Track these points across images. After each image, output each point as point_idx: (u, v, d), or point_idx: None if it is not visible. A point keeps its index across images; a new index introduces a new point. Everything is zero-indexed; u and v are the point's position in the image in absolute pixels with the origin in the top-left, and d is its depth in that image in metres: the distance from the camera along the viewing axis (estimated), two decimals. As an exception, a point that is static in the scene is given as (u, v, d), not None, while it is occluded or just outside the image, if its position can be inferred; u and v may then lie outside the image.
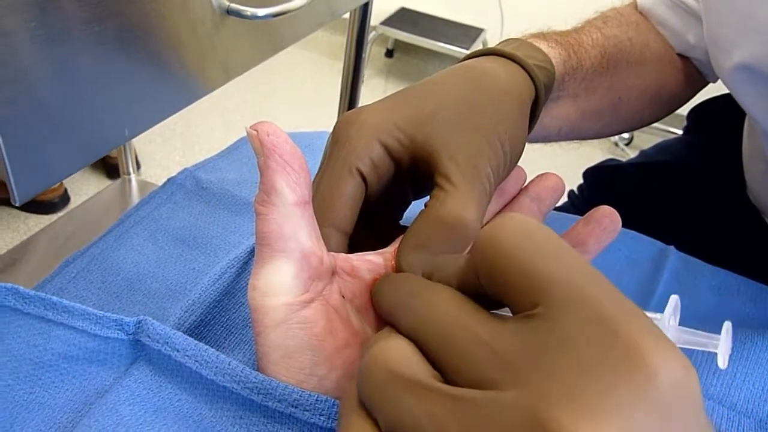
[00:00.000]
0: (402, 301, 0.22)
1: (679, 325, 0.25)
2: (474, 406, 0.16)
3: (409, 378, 0.18)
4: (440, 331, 0.19)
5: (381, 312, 0.24)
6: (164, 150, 1.94)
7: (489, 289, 0.19)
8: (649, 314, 0.24)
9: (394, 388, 0.18)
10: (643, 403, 0.15)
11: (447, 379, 0.18)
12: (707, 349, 0.24)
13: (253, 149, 0.24)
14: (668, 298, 0.24)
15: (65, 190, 1.66)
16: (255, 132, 0.24)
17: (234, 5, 0.51)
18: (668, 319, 0.24)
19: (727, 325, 0.24)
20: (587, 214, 0.31)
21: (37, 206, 1.61)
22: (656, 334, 0.16)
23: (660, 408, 0.15)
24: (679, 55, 0.53)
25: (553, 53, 0.41)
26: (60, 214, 1.57)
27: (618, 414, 0.15)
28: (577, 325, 0.16)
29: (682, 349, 0.17)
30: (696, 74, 0.55)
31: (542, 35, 0.43)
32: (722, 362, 0.24)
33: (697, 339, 0.24)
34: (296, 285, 0.25)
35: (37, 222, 1.58)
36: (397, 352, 0.19)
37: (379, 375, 0.19)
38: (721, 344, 0.24)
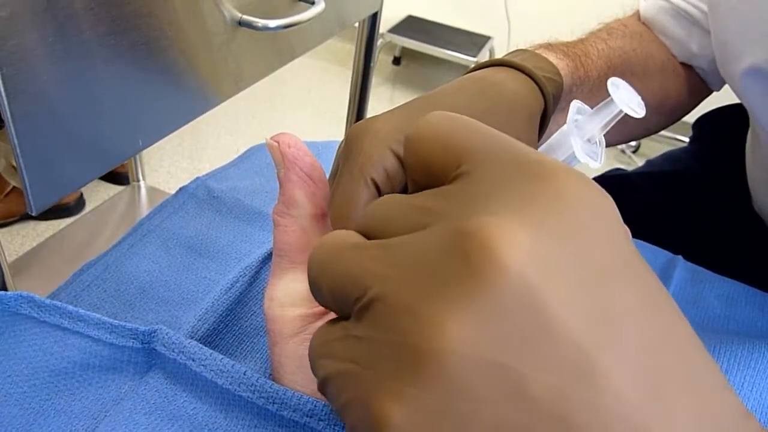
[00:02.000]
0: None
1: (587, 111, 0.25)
2: (399, 245, 0.17)
3: (341, 244, 0.19)
4: (376, 207, 0.20)
5: None
6: (172, 157, 1.95)
7: (420, 178, 0.20)
8: (555, 137, 0.24)
9: (331, 256, 0.19)
10: (553, 209, 0.16)
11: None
12: (618, 112, 0.24)
13: (274, 160, 0.24)
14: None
15: (81, 194, 1.67)
16: (276, 144, 0.24)
17: (246, 17, 0.52)
18: (571, 121, 0.24)
19: (611, 82, 0.24)
20: None
21: (52, 211, 1.61)
22: (566, 166, 0.17)
23: (571, 217, 0.16)
24: (683, 64, 0.54)
25: (561, 64, 0.41)
26: (71, 219, 1.58)
27: (529, 218, 0.15)
28: (493, 169, 0.17)
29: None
30: (700, 83, 0.55)
31: (549, 46, 0.44)
32: (633, 113, 0.23)
33: (601, 114, 0.24)
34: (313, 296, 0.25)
35: (47, 228, 1.59)
36: (340, 233, 0.20)
37: (323, 250, 0.19)
38: (618, 99, 0.23)
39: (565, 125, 0.24)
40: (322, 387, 0.18)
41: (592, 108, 0.25)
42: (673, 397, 0.15)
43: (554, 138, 0.25)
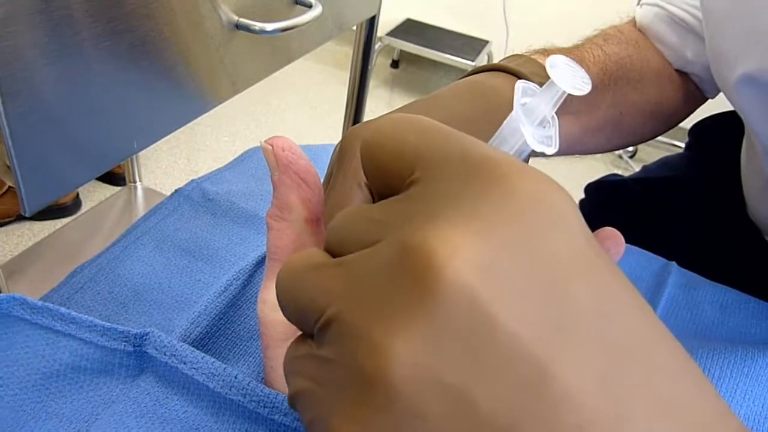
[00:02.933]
0: None
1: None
2: (352, 263, 0.17)
3: (304, 265, 0.18)
4: (337, 220, 0.19)
5: None
6: (169, 158, 1.95)
7: (377, 184, 0.19)
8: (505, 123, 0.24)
9: (294, 277, 0.18)
10: (503, 214, 0.15)
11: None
12: (561, 93, 0.23)
13: (267, 163, 0.24)
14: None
15: (77, 195, 1.66)
16: (270, 147, 0.24)
17: (243, 20, 0.52)
18: (517, 105, 0.23)
19: (549, 62, 0.23)
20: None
21: (49, 211, 1.61)
22: (519, 163, 0.16)
23: (520, 217, 0.15)
24: (678, 71, 0.54)
25: None
26: (67, 219, 1.57)
27: (476, 225, 0.15)
28: (444, 174, 0.17)
29: None
30: (695, 90, 0.55)
31: (545, 52, 0.44)
32: (576, 90, 0.23)
33: (546, 95, 0.23)
34: None
35: (43, 228, 1.59)
36: (307, 253, 0.19)
37: (289, 271, 0.19)
38: (557, 79, 0.23)
39: (512, 111, 0.24)
40: (292, 403, 0.18)
41: (540, 86, 0.24)
42: (637, 402, 0.14)
43: (504, 126, 0.24)
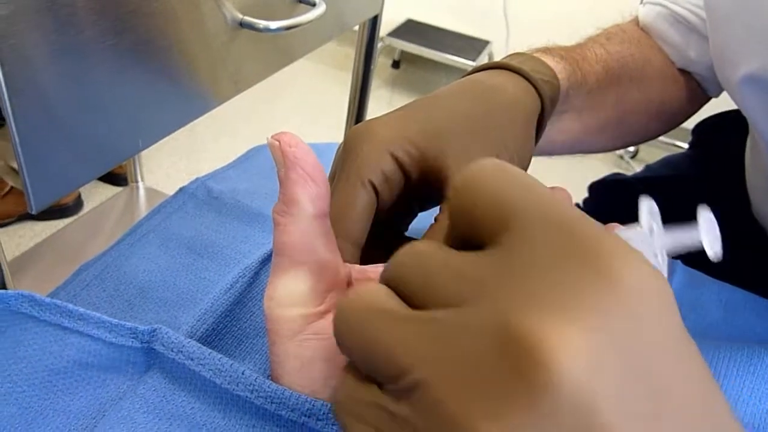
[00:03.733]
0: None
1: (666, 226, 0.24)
2: (442, 325, 0.16)
3: (379, 308, 0.18)
4: (410, 264, 0.19)
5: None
6: (170, 157, 1.95)
7: (464, 229, 0.19)
8: (627, 227, 0.23)
9: (363, 321, 0.18)
10: (612, 307, 0.15)
11: (419, 308, 0.18)
12: (694, 242, 0.23)
13: (274, 159, 0.24)
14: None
15: (79, 195, 1.66)
16: (277, 143, 0.24)
17: (247, 18, 0.52)
18: (647, 225, 0.23)
19: (703, 213, 0.23)
20: None
21: (50, 211, 1.61)
22: (623, 244, 0.16)
23: (629, 312, 0.15)
24: (681, 70, 0.54)
25: (558, 68, 0.41)
26: (69, 220, 1.58)
27: (583, 317, 0.15)
28: (544, 241, 0.16)
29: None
30: (698, 89, 0.55)
31: (547, 50, 0.44)
32: (711, 252, 0.23)
33: (681, 236, 0.23)
34: (313, 296, 0.25)
35: (45, 228, 1.59)
36: (370, 292, 0.19)
37: (350, 312, 0.19)
38: (703, 234, 0.23)
39: (637, 226, 0.23)
40: None
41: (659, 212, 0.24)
42: None
43: (623, 234, 0.24)
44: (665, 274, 0.23)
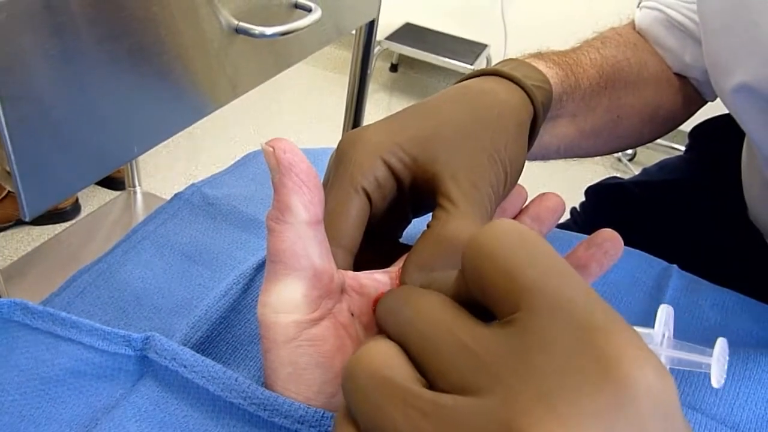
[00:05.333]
0: (393, 307, 0.22)
1: (680, 340, 0.25)
2: (451, 413, 0.17)
3: (390, 381, 0.18)
4: (423, 333, 0.19)
5: (378, 321, 0.24)
6: (168, 162, 1.95)
7: (476, 293, 0.19)
8: (640, 329, 0.24)
9: (374, 391, 0.18)
10: (618, 412, 0.15)
11: (429, 381, 0.19)
12: (701, 369, 0.24)
13: (269, 165, 0.24)
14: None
15: (77, 199, 1.66)
16: (271, 149, 0.24)
17: (242, 24, 0.52)
18: (660, 333, 0.24)
19: (721, 342, 0.24)
20: (588, 237, 0.32)
21: (48, 216, 1.60)
22: (635, 342, 0.16)
23: (635, 416, 0.15)
24: (677, 74, 0.54)
25: (551, 73, 0.41)
26: (67, 224, 1.57)
27: (590, 422, 0.15)
28: (555, 330, 0.16)
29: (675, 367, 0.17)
30: (694, 93, 0.55)
31: (540, 55, 0.44)
32: (715, 381, 0.23)
33: (690, 356, 0.24)
34: (307, 303, 0.25)
35: (42, 232, 1.59)
36: (381, 355, 0.19)
37: (362, 377, 0.19)
38: (714, 361, 0.23)
39: (652, 330, 0.24)
40: None
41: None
42: None
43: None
44: None
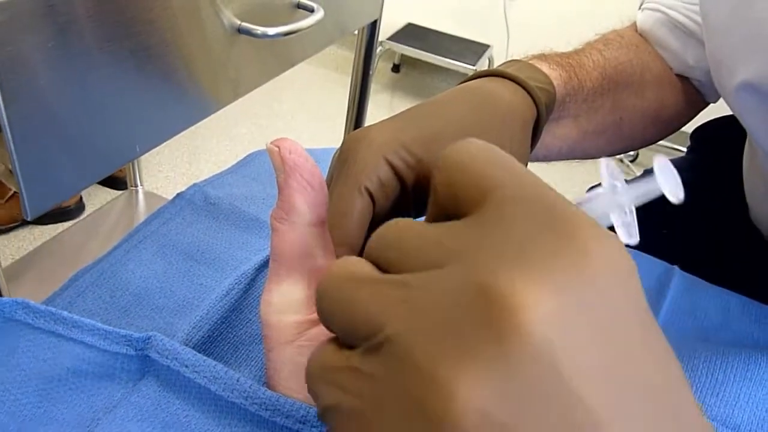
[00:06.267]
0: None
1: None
2: (414, 285, 0.17)
3: (357, 274, 0.18)
4: (389, 234, 0.19)
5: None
6: (170, 162, 1.95)
7: (445, 202, 0.19)
8: (592, 192, 0.24)
9: (341, 288, 0.18)
10: (579, 273, 0.15)
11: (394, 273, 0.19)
12: (656, 193, 0.24)
13: (274, 165, 0.24)
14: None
15: (81, 198, 1.66)
16: (276, 148, 0.24)
17: (245, 24, 0.52)
18: (610, 185, 0.24)
19: (658, 159, 0.24)
20: None
21: (52, 214, 1.60)
22: (593, 222, 0.17)
23: (594, 278, 0.15)
24: (679, 76, 0.54)
25: (554, 74, 0.42)
26: (69, 223, 1.57)
27: (554, 279, 0.15)
28: (520, 212, 0.17)
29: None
30: (696, 95, 0.55)
31: (544, 57, 0.44)
32: (671, 196, 0.23)
33: (642, 187, 0.24)
34: (309, 303, 0.25)
35: (43, 232, 1.59)
36: (350, 262, 0.19)
37: (329, 281, 0.19)
38: (660, 178, 0.23)
39: (599, 188, 0.24)
40: (323, 415, 0.18)
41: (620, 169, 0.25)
42: None
43: (591, 197, 0.24)
44: (635, 229, 0.24)
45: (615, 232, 0.23)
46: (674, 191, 0.23)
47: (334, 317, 0.18)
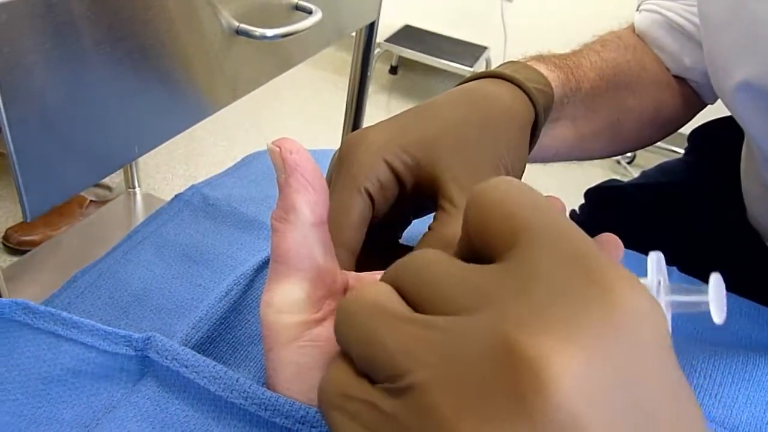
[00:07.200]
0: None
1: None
2: (444, 331, 0.17)
3: (382, 307, 0.18)
4: (417, 269, 0.19)
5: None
6: (168, 163, 1.95)
7: (477, 242, 0.19)
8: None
9: (366, 318, 0.18)
10: (608, 330, 0.15)
11: (422, 312, 0.19)
12: (701, 307, 0.23)
13: (274, 165, 0.24)
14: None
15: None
16: (277, 149, 0.24)
17: (243, 26, 0.52)
18: (655, 280, 0.24)
19: (715, 278, 0.23)
20: None
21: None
22: (626, 273, 0.16)
23: (624, 336, 0.15)
24: (676, 77, 0.54)
25: (552, 76, 0.42)
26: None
27: (582, 339, 0.15)
28: (551, 259, 0.17)
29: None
30: (693, 96, 0.56)
31: (541, 58, 0.44)
32: (716, 317, 0.23)
33: (688, 298, 0.24)
34: (310, 303, 0.25)
35: (41, 234, 1.58)
36: (374, 291, 0.19)
37: (353, 307, 0.19)
38: (711, 299, 0.23)
39: (646, 279, 0.24)
40: None
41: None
42: None
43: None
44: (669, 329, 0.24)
45: None
46: (720, 310, 0.23)
47: (356, 347, 0.18)
